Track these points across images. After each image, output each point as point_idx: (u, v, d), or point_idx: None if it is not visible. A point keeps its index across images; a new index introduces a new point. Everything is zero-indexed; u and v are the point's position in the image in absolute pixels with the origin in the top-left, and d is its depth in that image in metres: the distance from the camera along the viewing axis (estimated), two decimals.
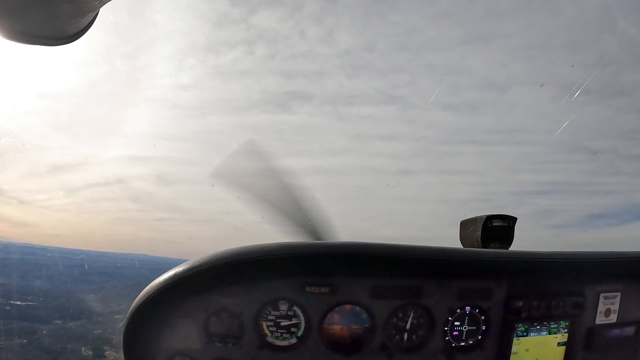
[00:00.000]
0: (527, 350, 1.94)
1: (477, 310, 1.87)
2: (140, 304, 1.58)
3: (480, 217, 2.11)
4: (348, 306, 1.73)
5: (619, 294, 2.08)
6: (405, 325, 1.80)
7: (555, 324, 1.97)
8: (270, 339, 1.69)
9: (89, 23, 0.91)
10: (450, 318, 1.84)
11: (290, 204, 2.14)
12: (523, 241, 2.13)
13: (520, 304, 1.88)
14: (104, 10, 0.88)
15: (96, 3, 0.79)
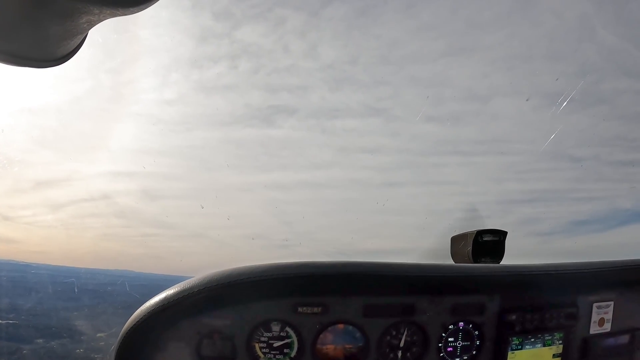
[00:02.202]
0: None
1: (471, 325, 1.92)
2: (132, 327, 1.61)
3: (471, 232, 2.15)
4: (341, 325, 1.77)
5: (612, 303, 2.14)
6: (399, 343, 1.83)
7: (549, 335, 2.02)
8: None
9: (77, 45, 0.92)
10: (444, 334, 1.88)
11: None
12: (510, 250, 2.18)
13: (514, 317, 1.93)
14: (91, 30, 0.90)
15: (85, 25, 0.79)
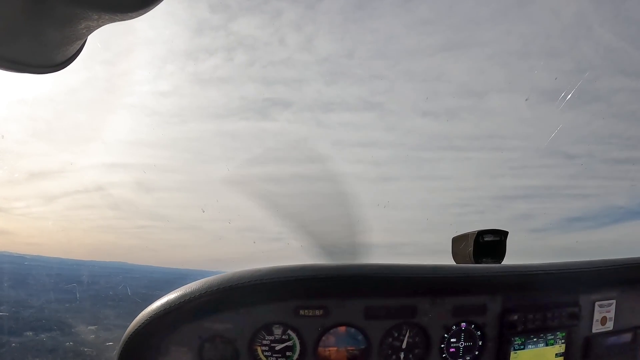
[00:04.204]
0: None
1: (473, 326, 1.96)
2: (133, 332, 1.64)
3: (472, 233, 2.19)
4: (342, 328, 1.81)
5: (614, 301, 2.19)
6: (401, 345, 1.88)
7: (552, 335, 2.07)
8: None
9: (77, 51, 0.93)
10: (446, 335, 1.93)
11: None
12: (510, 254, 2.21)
13: (516, 317, 1.98)
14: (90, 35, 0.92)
15: (84, 31, 0.80)
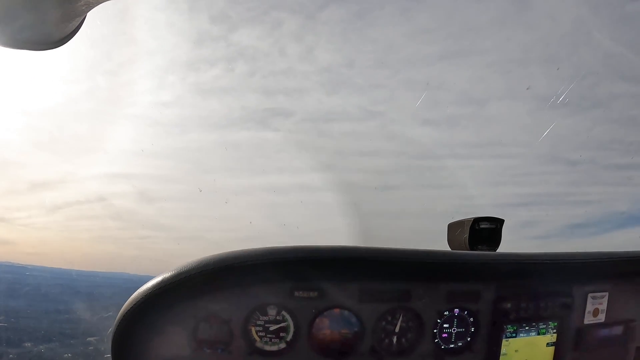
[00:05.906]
0: (516, 351, 2.03)
1: (466, 312, 1.96)
2: (128, 311, 1.63)
3: (468, 220, 2.19)
4: (337, 310, 1.81)
5: (606, 293, 2.18)
6: (395, 329, 1.87)
7: (544, 324, 2.07)
8: (259, 345, 1.75)
9: (76, 28, 0.95)
10: (439, 320, 1.92)
11: None
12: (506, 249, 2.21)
13: (509, 305, 1.98)
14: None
15: (84, 7, 0.82)
